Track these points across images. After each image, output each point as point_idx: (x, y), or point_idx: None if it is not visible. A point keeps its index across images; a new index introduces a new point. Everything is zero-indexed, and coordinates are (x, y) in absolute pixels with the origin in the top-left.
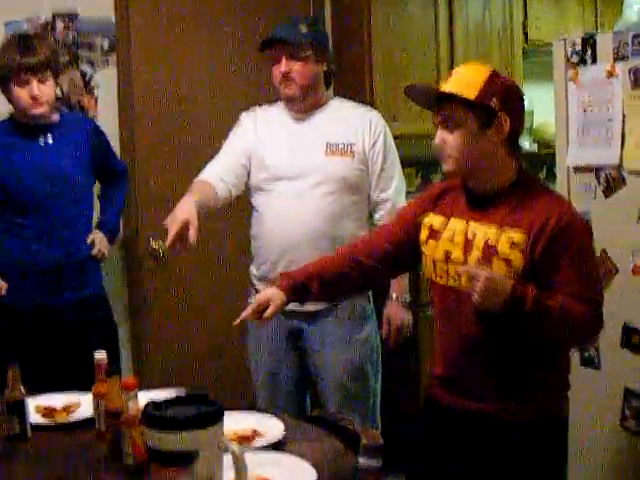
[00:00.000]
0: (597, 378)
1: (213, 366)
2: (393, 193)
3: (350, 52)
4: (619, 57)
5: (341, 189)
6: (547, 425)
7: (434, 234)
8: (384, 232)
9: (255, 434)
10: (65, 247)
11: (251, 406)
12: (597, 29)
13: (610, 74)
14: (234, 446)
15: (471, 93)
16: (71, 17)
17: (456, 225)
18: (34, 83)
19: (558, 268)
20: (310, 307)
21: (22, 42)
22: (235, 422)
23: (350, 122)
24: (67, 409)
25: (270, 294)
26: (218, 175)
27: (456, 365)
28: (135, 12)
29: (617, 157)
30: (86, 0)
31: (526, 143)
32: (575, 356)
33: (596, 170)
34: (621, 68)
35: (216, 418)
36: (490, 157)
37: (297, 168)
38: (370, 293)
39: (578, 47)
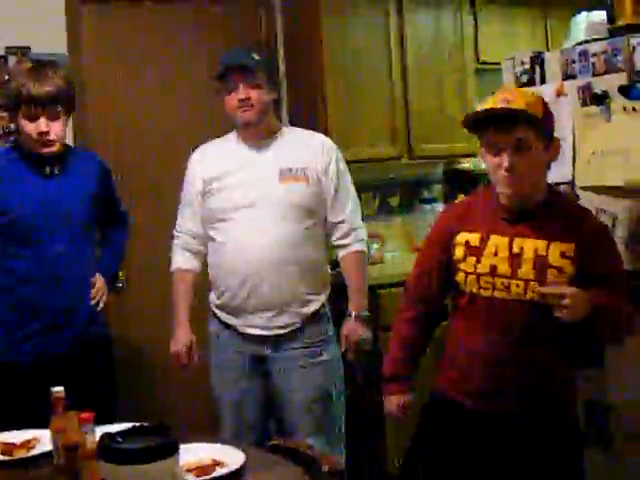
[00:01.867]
0: None
1: (175, 396)
2: (349, 214)
3: (303, 78)
4: (568, 75)
5: (298, 214)
6: (563, 426)
7: (473, 250)
8: (424, 273)
9: (215, 464)
10: (63, 288)
11: (215, 437)
12: (548, 47)
13: (559, 93)
14: (190, 477)
15: (539, 114)
16: (24, 51)
17: (497, 241)
18: (42, 119)
19: (601, 269)
20: (277, 331)
21: (34, 71)
22: (195, 452)
23: (302, 147)
24: (26, 445)
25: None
26: (190, 250)
27: (496, 374)
28: (88, 45)
29: (570, 174)
30: (39, 34)
31: (482, 163)
32: None
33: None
34: (570, 86)
35: (171, 450)
36: (541, 177)
37: (252, 196)
38: (329, 315)
39: (527, 66)
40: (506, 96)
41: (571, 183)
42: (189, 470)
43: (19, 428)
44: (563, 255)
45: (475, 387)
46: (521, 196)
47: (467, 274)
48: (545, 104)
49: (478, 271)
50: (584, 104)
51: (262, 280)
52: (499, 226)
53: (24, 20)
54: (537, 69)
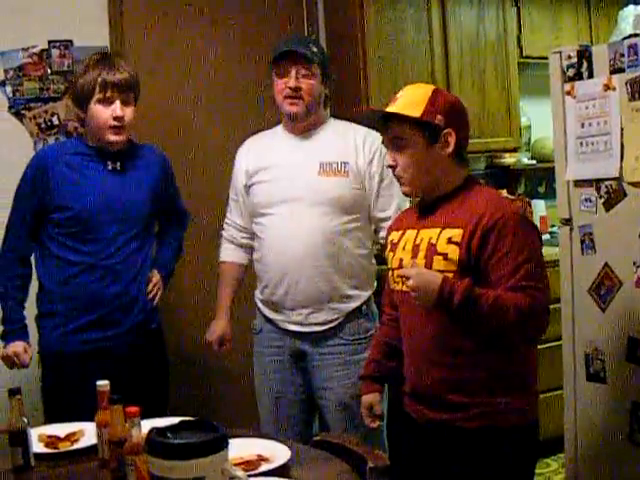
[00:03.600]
0: (603, 392)
1: (218, 391)
2: (394, 212)
3: (345, 69)
4: (615, 69)
5: (337, 209)
6: (513, 431)
7: (392, 247)
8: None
9: (260, 459)
10: (121, 282)
11: (256, 432)
12: (592, 41)
13: (607, 87)
14: (239, 472)
15: (416, 112)
16: (66, 45)
17: (409, 235)
18: (117, 102)
19: (494, 261)
20: (315, 328)
21: (106, 59)
22: (240, 448)
23: (345, 141)
24: (70, 438)
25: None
26: (236, 242)
27: (415, 368)
28: (129, 39)
29: (617, 170)
30: (81, 28)
31: (524, 158)
32: (581, 371)
33: (596, 183)
34: (618, 81)
35: (220, 445)
36: (438, 169)
37: (290, 191)
38: (374, 313)
39: (574, 60)
40: (396, 96)
41: (618, 179)
42: (235, 465)
43: (68, 419)
44: (449, 241)
45: (408, 388)
46: (418, 190)
47: (388, 270)
48: (433, 100)
49: (392, 266)
50: (632, 98)
51: (299, 277)
52: (413, 221)
53: (67, 14)
54: (584, 63)
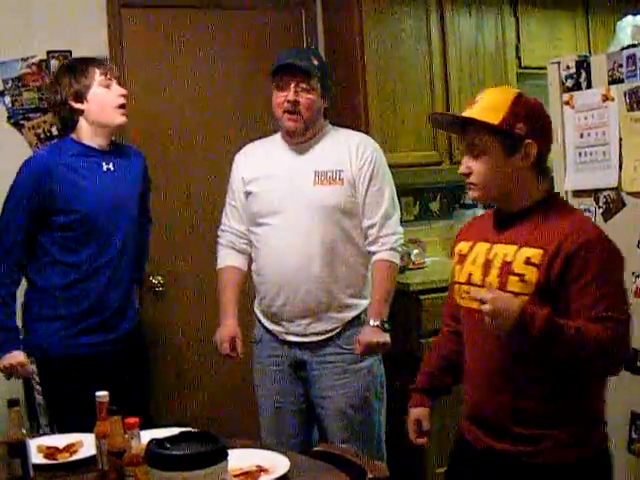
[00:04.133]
0: None
1: (217, 401)
2: (380, 219)
3: (344, 81)
4: (614, 80)
5: (333, 217)
6: (583, 465)
7: (460, 259)
8: (450, 287)
9: (260, 470)
10: (122, 286)
11: (256, 442)
12: (590, 52)
13: (606, 98)
14: None
15: (495, 118)
16: (65, 55)
17: (480, 248)
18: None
19: (576, 289)
20: (314, 338)
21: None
22: (239, 458)
23: (340, 149)
24: (69, 449)
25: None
26: (236, 248)
27: (476, 391)
28: (128, 49)
29: (615, 180)
30: (80, 39)
31: None
32: None
33: (595, 193)
34: (616, 91)
35: (220, 456)
36: (516, 182)
37: (286, 200)
38: None
39: (572, 70)
40: (476, 99)
41: (617, 189)
42: (235, 476)
43: (72, 422)
44: (527, 261)
45: (467, 411)
46: (489, 199)
47: (454, 284)
48: (515, 106)
49: (459, 280)
50: (631, 109)
51: (297, 288)
52: (488, 233)
53: (66, 25)
54: (583, 73)
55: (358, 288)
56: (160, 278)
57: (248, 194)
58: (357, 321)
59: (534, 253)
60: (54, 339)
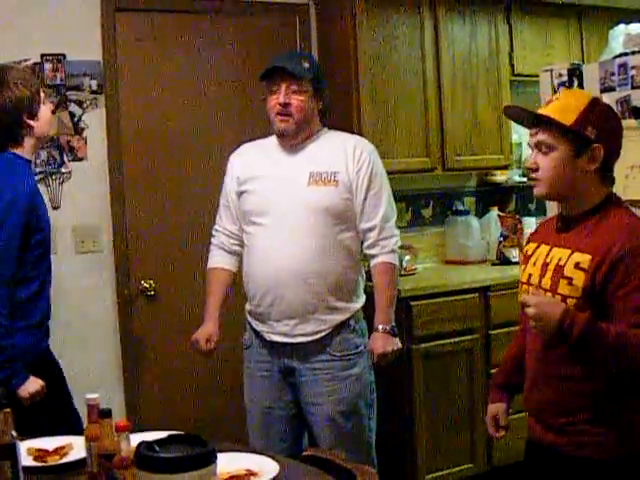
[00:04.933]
0: None
1: (206, 405)
2: (379, 222)
3: (337, 88)
4: (606, 88)
5: (326, 219)
6: (630, 462)
7: (525, 259)
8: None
9: (249, 474)
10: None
11: (245, 446)
12: (583, 60)
13: None
14: None
15: (568, 119)
16: (59, 59)
17: (542, 249)
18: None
19: (620, 295)
20: (302, 339)
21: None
22: (229, 462)
23: (335, 151)
24: (59, 451)
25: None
26: (226, 249)
27: (527, 384)
28: (122, 53)
29: None
30: (73, 42)
31: (515, 175)
32: None
33: None
34: (608, 99)
35: (209, 459)
36: (579, 183)
37: (279, 201)
38: (364, 329)
39: (564, 78)
40: (552, 97)
41: None
42: None
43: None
44: (577, 266)
45: (527, 407)
46: (552, 196)
47: (519, 283)
48: (588, 110)
49: (522, 280)
50: (622, 117)
51: (285, 289)
52: (550, 236)
53: (60, 28)
54: (575, 81)
55: (347, 291)
56: (151, 282)
57: (242, 193)
58: (347, 327)
59: (584, 258)
60: (43, 345)
